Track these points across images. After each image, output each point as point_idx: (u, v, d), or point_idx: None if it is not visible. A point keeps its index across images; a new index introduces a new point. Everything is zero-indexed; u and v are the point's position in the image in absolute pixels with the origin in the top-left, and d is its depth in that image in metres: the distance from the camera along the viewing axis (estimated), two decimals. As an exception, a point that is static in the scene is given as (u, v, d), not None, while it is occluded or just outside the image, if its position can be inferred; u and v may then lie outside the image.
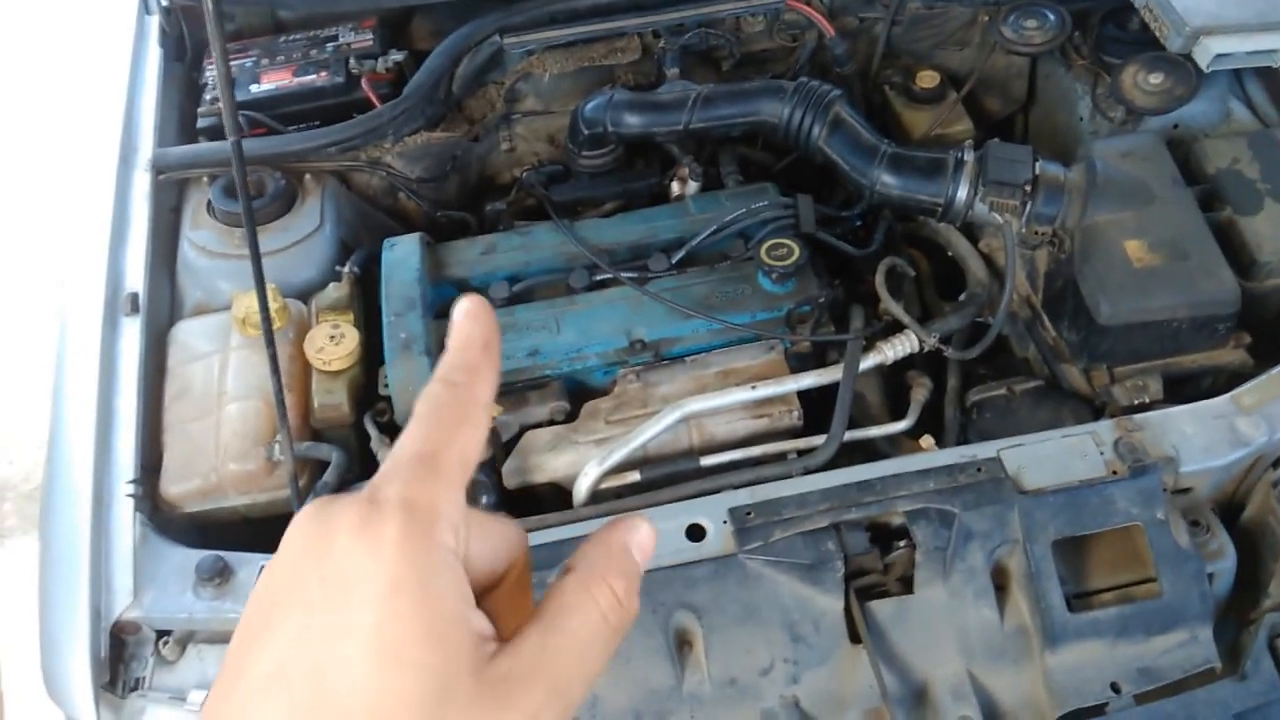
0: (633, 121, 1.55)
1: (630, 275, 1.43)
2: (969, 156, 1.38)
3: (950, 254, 1.53)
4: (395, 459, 0.46)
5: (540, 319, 1.41)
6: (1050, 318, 1.41)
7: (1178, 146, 1.44)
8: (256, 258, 1.12)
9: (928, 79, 1.67)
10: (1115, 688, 1.10)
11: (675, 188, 1.60)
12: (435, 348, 1.37)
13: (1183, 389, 1.33)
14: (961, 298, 1.47)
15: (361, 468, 1.35)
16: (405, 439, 0.46)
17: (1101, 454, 1.19)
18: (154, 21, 1.77)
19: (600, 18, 1.66)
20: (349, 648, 0.40)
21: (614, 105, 1.56)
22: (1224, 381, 1.33)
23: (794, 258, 1.37)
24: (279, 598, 0.43)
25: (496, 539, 0.49)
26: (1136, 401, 1.28)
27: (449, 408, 0.47)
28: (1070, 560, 1.18)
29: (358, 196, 1.66)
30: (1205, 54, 1.41)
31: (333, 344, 1.37)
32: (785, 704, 1.10)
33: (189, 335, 1.42)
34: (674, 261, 1.44)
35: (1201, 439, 1.20)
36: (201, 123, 1.66)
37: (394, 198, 1.70)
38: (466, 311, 0.50)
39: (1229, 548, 1.18)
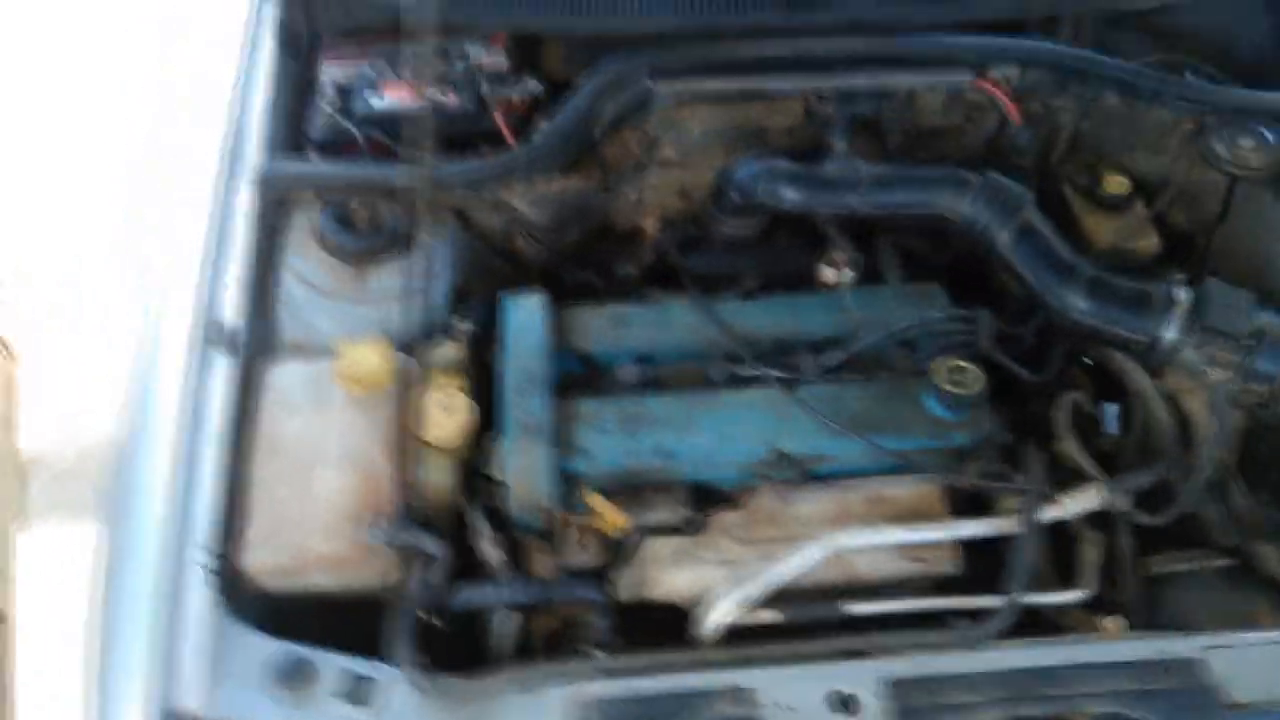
0: (792, 196, 1.40)
1: (779, 375, 1.28)
2: (1182, 294, 1.22)
3: (1127, 388, 1.37)
4: None
5: (674, 414, 1.26)
6: (1248, 484, 1.25)
7: None
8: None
9: (1116, 184, 1.50)
10: None
11: (829, 274, 1.44)
12: (556, 433, 1.22)
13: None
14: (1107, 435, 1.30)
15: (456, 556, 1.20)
16: None
17: (1321, 671, 1.03)
18: (271, 9, 1.62)
19: (764, 72, 1.49)
20: None
21: (774, 175, 1.41)
22: None
23: (975, 386, 1.21)
24: None
25: None
26: (1356, 610, 1.12)
27: None
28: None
29: (473, 236, 1.51)
30: None
31: (444, 416, 1.22)
32: None
33: (285, 382, 1.28)
34: (826, 364, 1.29)
35: None
36: (314, 133, 1.51)
37: (511, 240, 1.54)
38: None
39: None
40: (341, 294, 1.35)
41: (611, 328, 1.35)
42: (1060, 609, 1.18)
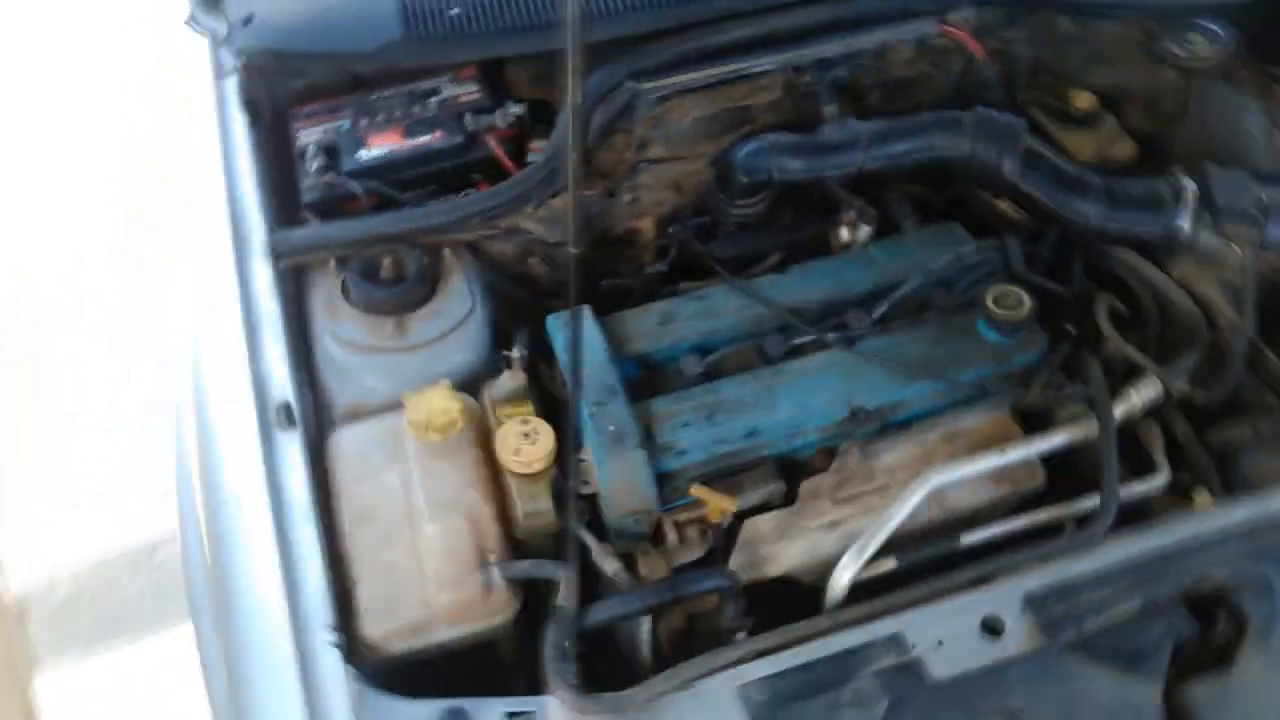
0: (799, 166, 1.44)
1: (836, 336, 1.31)
2: (1188, 184, 1.30)
3: (1140, 283, 1.45)
4: None
5: (749, 394, 1.28)
6: (1273, 346, 1.33)
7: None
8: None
9: (1083, 100, 1.59)
10: None
11: (844, 234, 1.49)
12: (643, 436, 1.23)
13: None
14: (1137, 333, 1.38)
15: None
16: None
17: (1400, 498, 1.12)
18: (231, 85, 1.58)
19: (739, 55, 1.53)
20: None
21: (777, 150, 1.44)
22: None
23: (1025, 307, 1.27)
24: None
25: None
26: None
27: None
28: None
29: (487, 267, 1.50)
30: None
31: (529, 443, 1.22)
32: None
33: (355, 446, 1.25)
34: (876, 317, 1.33)
35: None
36: (307, 196, 1.48)
37: (524, 264, 1.54)
38: None
39: None
40: (384, 348, 1.33)
41: (660, 325, 1.37)
42: (1148, 497, 1.24)
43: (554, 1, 1.54)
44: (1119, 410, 1.25)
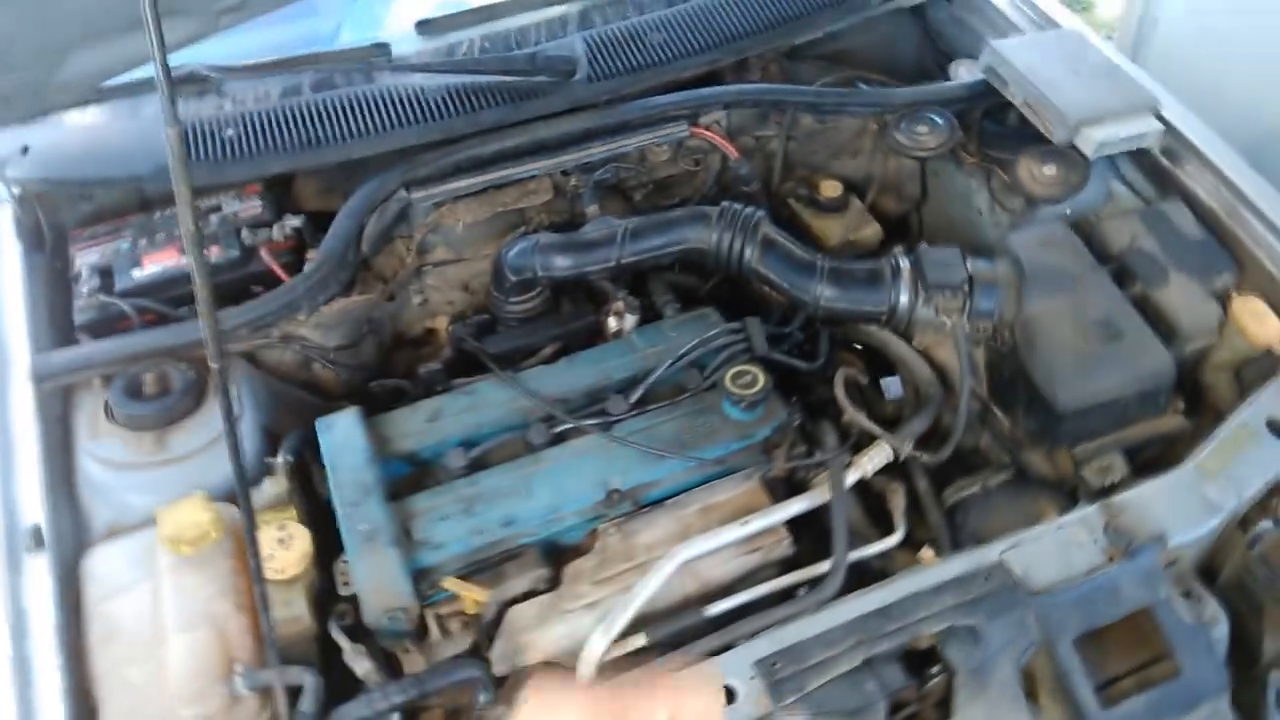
0: (563, 263, 1.52)
1: (593, 422, 1.37)
2: (904, 263, 1.42)
3: (888, 355, 1.56)
4: None
5: (509, 484, 1.32)
6: (1002, 407, 1.45)
7: (1078, 230, 1.54)
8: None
9: (831, 188, 1.72)
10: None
11: (612, 323, 1.57)
12: (398, 533, 1.26)
13: (1135, 459, 1.39)
14: (885, 392, 1.49)
15: (331, 683, 1.20)
16: None
17: (1095, 541, 1.22)
18: (6, 212, 1.60)
19: (508, 162, 1.62)
20: None
21: (541, 249, 1.52)
22: (1168, 448, 1.40)
23: (760, 384, 1.35)
24: None
25: None
26: (1108, 483, 1.32)
27: None
28: (1087, 652, 1.19)
29: (269, 374, 1.53)
30: (1089, 143, 1.52)
31: (282, 548, 1.23)
32: None
33: (107, 565, 1.25)
34: (633, 401, 1.40)
35: (1179, 511, 1.24)
36: (80, 318, 1.50)
37: (308, 370, 1.57)
38: None
39: (1220, 613, 1.22)
40: (145, 464, 1.34)
41: (428, 422, 1.41)
42: (883, 556, 1.32)
43: (326, 120, 1.62)
44: (853, 475, 1.33)
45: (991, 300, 1.39)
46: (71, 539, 1.29)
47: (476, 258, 1.68)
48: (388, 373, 1.64)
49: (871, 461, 1.35)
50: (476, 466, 1.37)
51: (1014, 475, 1.39)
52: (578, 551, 1.34)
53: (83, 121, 1.69)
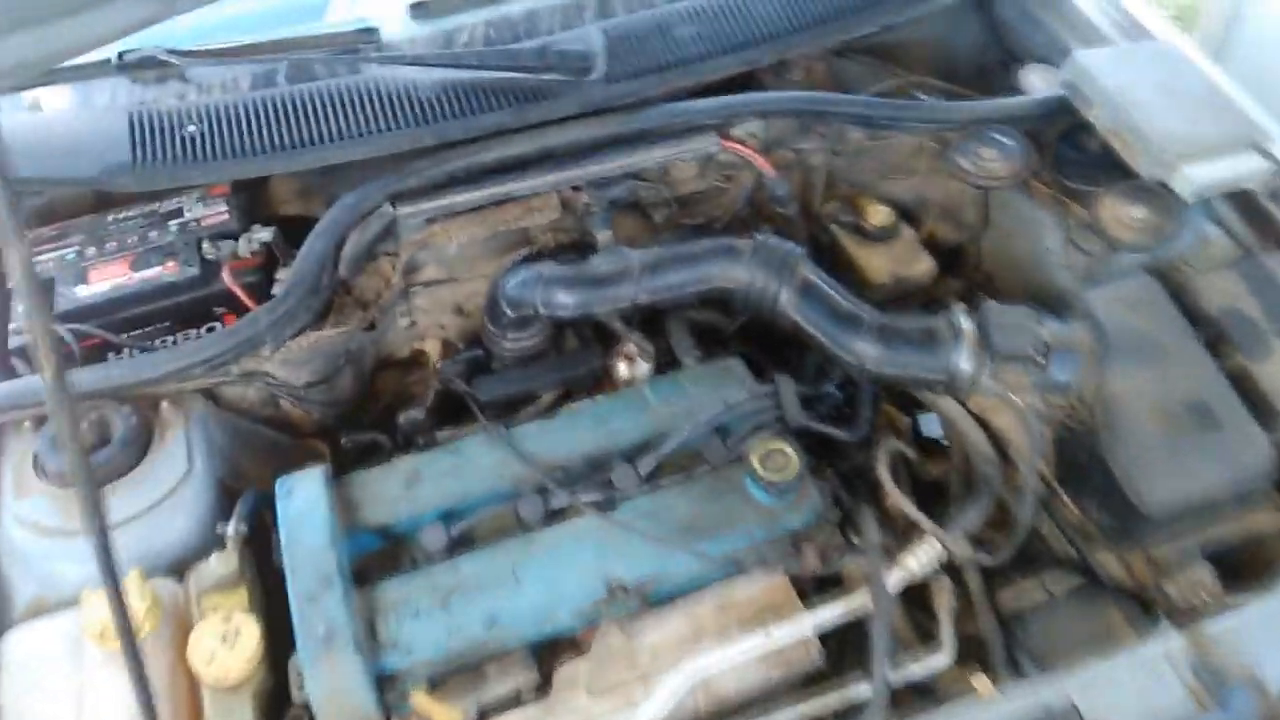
0: (568, 301, 1.31)
1: (593, 500, 1.18)
2: (966, 324, 1.21)
3: (938, 413, 1.36)
4: None
5: (495, 573, 1.14)
6: (1071, 495, 1.25)
7: (1164, 281, 1.32)
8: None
9: (878, 214, 1.50)
10: None
11: (622, 369, 1.37)
12: (364, 633, 1.07)
13: (1221, 562, 1.20)
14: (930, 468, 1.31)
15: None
16: None
17: (1181, 680, 1.03)
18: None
19: (509, 173, 1.41)
20: None
21: (545, 283, 1.32)
22: (1258, 547, 1.21)
23: (792, 467, 1.15)
24: None
25: None
26: (1195, 602, 1.13)
27: None
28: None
29: (230, 413, 1.34)
30: (1186, 184, 1.30)
31: (226, 647, 1.05)
32: None
33: (25, 651, 1.07)
34: (643, 474, 1.20)
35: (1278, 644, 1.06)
36: (14, 341, 1.31)
37: (275, 406, 1.38)
38: None
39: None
40: (78, 530, 1.15)
41: (405, 489, 1.22)
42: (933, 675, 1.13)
43: (301, 118, 1.40)
44: (895, 578, 1.15)
45: (1069, 373, 1.19)
46: (-13, 616, 1.11)
47: (472, 278, 1.47)
48: (370, 398, 1.45)
49: (918, 561, 1.16)
50: (458, 544, 1.18)
51: (1085, 583, 1.20)
52: (573, 644, 1.16)
53: (25, 112, 1.49)
